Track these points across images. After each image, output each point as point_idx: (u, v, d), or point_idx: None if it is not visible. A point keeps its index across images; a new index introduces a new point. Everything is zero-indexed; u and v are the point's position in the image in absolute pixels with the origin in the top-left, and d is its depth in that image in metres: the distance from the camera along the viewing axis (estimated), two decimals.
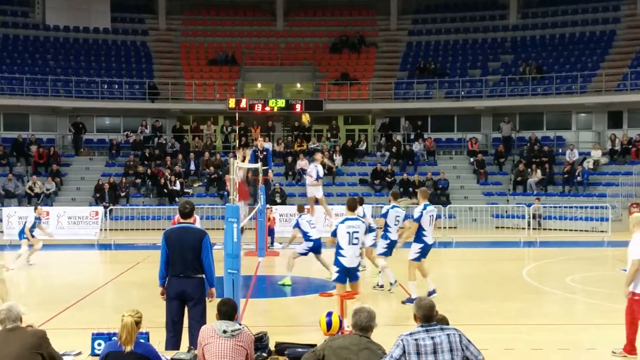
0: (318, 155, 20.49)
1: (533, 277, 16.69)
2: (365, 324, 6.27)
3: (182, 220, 9.00)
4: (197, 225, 11.15)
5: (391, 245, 14.09)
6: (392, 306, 13.43)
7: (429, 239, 13.23)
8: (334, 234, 11.02)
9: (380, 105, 36.08)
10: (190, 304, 8.71)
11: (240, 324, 6.80)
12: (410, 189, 29.35)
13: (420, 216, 13.03)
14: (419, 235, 13.14)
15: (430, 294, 12.86)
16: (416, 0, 41.65)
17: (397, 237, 14.03)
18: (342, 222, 11.06)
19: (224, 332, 6.57)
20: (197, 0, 41.86)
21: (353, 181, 32.30)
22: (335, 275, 11.18)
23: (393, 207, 14.18)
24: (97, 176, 31.51)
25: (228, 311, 6.79)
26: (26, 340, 6.50)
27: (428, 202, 13.36)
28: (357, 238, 10.94)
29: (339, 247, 10.94)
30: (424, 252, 13.25)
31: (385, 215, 14.08)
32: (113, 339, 6.80)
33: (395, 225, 14.04)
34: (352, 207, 11.47)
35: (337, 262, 11.01)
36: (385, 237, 14.12)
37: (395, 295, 14.05)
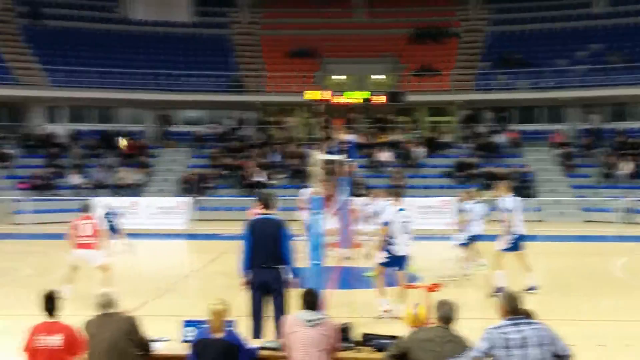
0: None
1: (624, 272, 16.22)
2: (448, 316, 6.33)
3: (264, 211, 9.14)
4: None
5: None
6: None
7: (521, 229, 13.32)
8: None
9: (462, 97, 35.56)
10: (273, 294, 8.86)
11: (323, 314, 6.88)
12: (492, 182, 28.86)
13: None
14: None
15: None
16: None
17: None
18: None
19: (309, 321, 6.67)
20: None
21: (436, 173, 31.99)
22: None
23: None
24: (182, 168, 32.21)
25: (312, 301, 6.90)
26: (120, 326, 6.75)
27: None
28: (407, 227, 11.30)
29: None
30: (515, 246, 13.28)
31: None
32: (203, 327, 6.97)
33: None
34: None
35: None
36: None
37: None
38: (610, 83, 33.57)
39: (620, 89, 33.18)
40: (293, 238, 9.01)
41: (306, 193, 18.13)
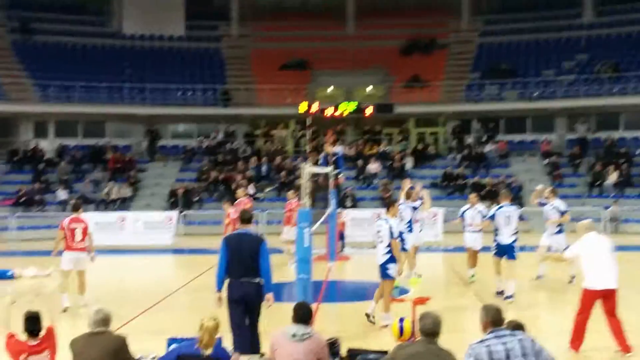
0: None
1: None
2: (430, 330, 6.19)
3: (241, 226, 9.22)
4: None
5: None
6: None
7: (502, 238, 13.85)
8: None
9: (451, 108, 35.71)
10: (249, 307, 8.87)
11: (311, 329, 6.84)
12: (482, 193, 28.94)
13: (494, 216, 13.86)
14: (495, 235, 13.97)
15: (498, 293, 13.78)
16: (487, 1, 41.14)
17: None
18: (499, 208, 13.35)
19: (293, 335, 6.62)
20: (268, 6, 42.34)
21: (424, 184, 31.96)
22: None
23: (500, 207, 14.08)
24: (171, 182, 32.15)
25: (304, 315, 6.84)
26: (107, 345, 6.68)
27: (507, 203, 14.06)
28: (380, 237, 11.54)
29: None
30: (498, 251, 13.97)
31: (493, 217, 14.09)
32: (188, 342, 6.94)
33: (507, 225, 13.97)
34: None
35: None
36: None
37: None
38: (596, 93, 33.79)
39: (606, 98, 33.40)
40: (269, 253, 9.03)
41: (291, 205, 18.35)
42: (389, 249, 11.39)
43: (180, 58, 39.68)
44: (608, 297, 9.71)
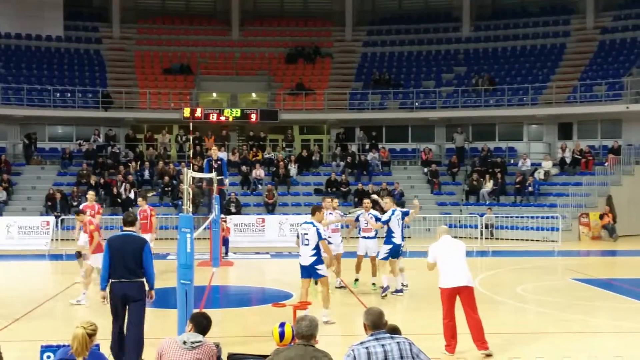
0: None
1: (485, 287, 16.85)
2: (306, 333, 6.21)
3: (125, 229, 9.49)
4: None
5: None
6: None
7: (397, 240, 14.89)
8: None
9: (335, 116, 36.24)
10: (131, 306, 9.12)
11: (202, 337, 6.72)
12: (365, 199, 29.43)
13: (389, 220, 14.78)
14: (388, 237, 14.85)
15: (397, 291, 14.94)
16: (371, 12, 42.05)
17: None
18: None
19: (184, 343, 6.52)
20: (151, 8, 41.70)
21: (308, 191, 32.34)
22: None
23: (394, 211, 14.90)
24: (48, 185, 31.03)
25: (203, 325, 6.76)
26: None
27: (396, 207, 15.16)
28: (307, 239, 12.04)
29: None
30: (393, 252, 14.89)
31: (387, 221, 14.96)
32: (64, 348, 6.72)
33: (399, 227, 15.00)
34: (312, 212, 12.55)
35: None
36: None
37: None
38: (473, 105, 35.14)
39: (483, 110, 34.77)
40: (152, 255, 9.34)
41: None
42: (315, 251, 11.95)
43: (59, 59, 38.45)
44: (462, 294, 10.13)
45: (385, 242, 14.95)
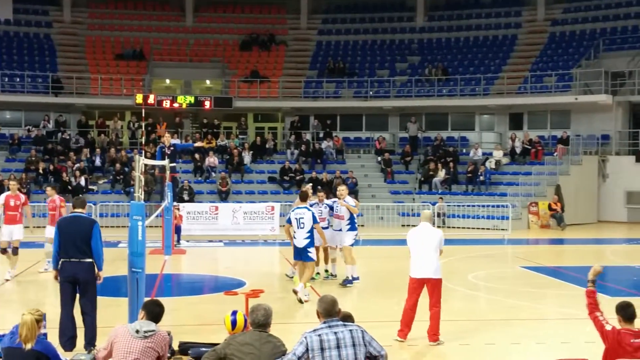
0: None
1: None
2: (262, 321, 6.41)
3: (74, 210, 9.74)
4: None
5: None
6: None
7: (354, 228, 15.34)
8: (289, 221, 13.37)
9: (290, 104, 36.19)
10: (81, 287, 9.34)
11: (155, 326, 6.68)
12: (319, 187, 29.50)
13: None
14: (352, 224, 15.14)
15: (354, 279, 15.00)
16: (326, 0, 42.00)
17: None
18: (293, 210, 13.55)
19: (137, 332, 6.49)
20: None
21: (262, 179, 32.27)
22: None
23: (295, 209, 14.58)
24: None
25: (156, 312, 6.75)
26: None
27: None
28: (303, 223, 13.10)
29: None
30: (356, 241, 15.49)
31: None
32: (10, 334, 6.63)
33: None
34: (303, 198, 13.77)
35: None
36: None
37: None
38: (427, 94, 35.40)
39: (436, 99, 35.06)
40: (101, 236, 9.54)
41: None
42: (309, 234, 13.07)
43: (7, 43, 37.60)
44: (428, 285, 10.25)
45: (351, 229, 15.12)
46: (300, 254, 13.19)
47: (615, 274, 18.48)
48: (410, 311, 10.23)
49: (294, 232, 13.19)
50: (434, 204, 27.10)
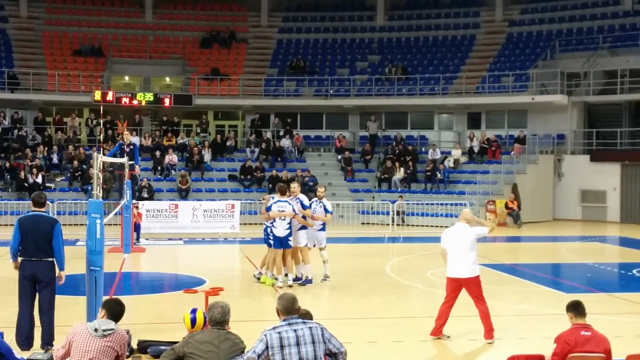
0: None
1: (396, 272, 17.25)
2: (219, 319, 6.43)
3: (35, 209, 9.56)
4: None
5: None
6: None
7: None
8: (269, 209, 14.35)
9: (250, 102, 36.14)
10: (40, 285, 9.27)
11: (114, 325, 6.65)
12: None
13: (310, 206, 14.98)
14: (323, 224, 15.25)
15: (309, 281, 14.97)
16: None
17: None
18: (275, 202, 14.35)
19: (95, 330, 6.46)
20: None
21: (222, 177, 32.17)
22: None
23: (277, 201, 14.52)
24: None
25: (117, 311, 6.72)
26: None
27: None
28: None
29: (273, 222, 14.25)
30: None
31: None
32: None
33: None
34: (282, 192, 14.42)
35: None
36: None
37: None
38: (387, 93, 35.64)
39: (396, 98, 35.32)
40: (62, 234, 9.41)
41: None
42: (289, 225, 14.20)
43: None
44: (466, 285, 10.34)
45: (323, 229, 15.22)
46: (282, 243, 14.24)
47: (569, 271, 18.88)
48: (445, 308, 10.37)
49: (275, 221, 14.17)
50: (393, 202, 27.30)
